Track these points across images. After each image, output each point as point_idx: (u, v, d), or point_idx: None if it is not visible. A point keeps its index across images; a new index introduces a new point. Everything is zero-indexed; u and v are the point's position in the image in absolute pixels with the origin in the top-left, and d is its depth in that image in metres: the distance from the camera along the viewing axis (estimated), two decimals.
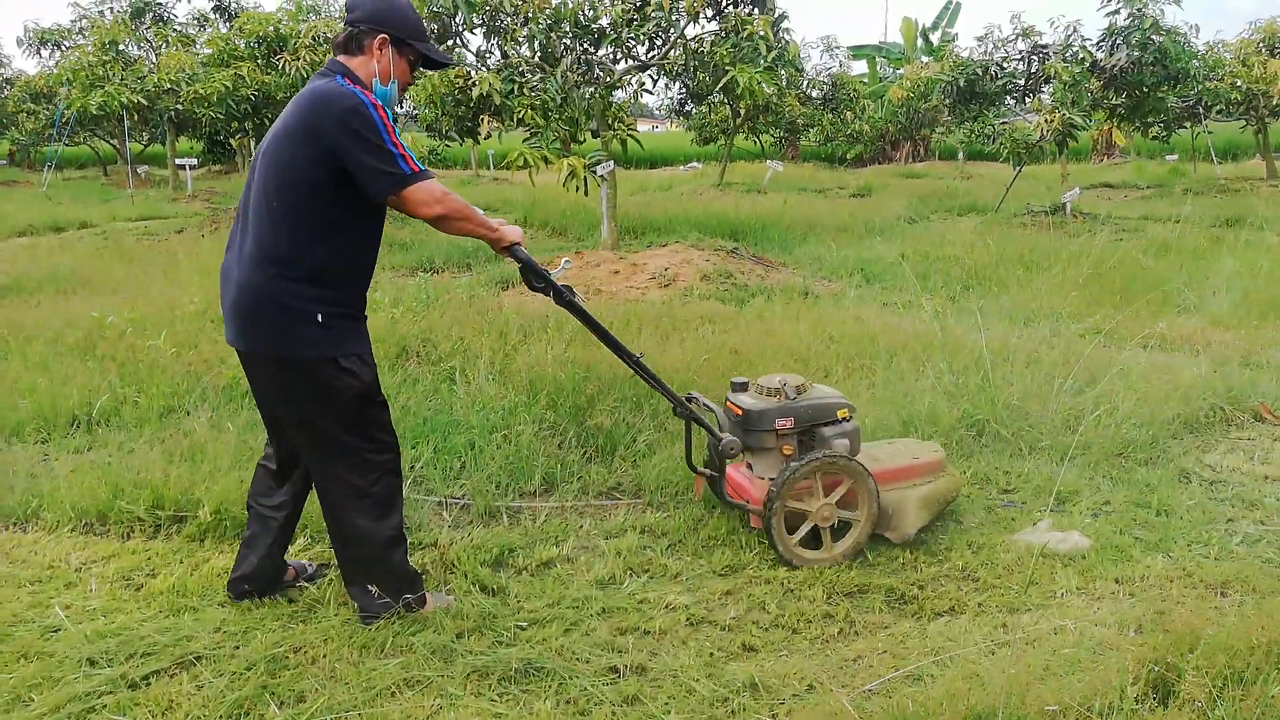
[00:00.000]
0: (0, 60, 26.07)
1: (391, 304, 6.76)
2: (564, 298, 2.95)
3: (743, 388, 3.42)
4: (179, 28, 18.83)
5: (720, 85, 8.77)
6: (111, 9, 18.06)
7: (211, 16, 19.91)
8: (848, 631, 2.86)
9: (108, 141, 27.63)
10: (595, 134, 9.60)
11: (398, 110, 2.85)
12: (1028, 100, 15.39)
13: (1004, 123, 16.01)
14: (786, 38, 9.21)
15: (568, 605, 2.98)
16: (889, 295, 7.84)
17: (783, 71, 10.66)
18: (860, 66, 30.82)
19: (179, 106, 13.81)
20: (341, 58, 2.76)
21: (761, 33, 8.40)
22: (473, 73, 9.07)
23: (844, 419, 3.34)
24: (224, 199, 18.86)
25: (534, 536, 3.53)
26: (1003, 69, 14.87)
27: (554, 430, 4.34)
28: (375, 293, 7.27)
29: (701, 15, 8.84)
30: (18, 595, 3.02)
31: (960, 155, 27.42)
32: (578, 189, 8.44)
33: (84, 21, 20.23)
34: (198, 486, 3.61)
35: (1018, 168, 14.08)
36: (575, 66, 9.16)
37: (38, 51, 22.06)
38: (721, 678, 2.56)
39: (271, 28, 13.05)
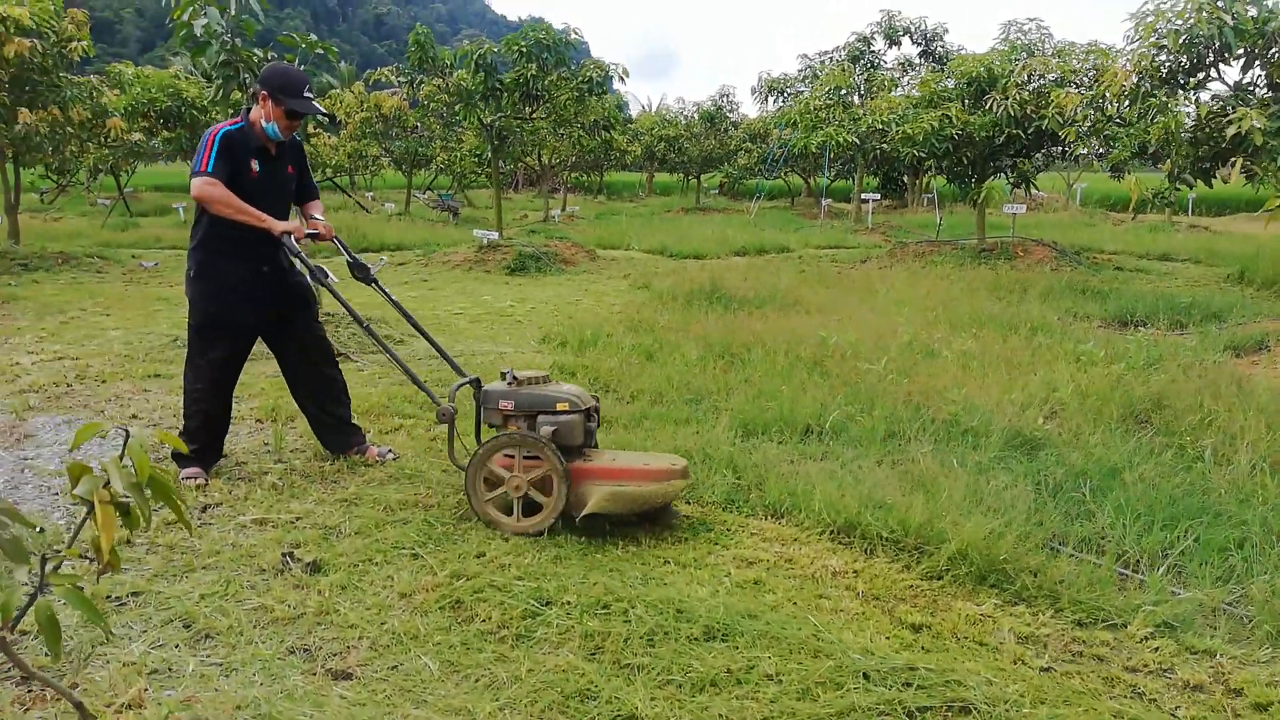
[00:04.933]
0: (732, 105, 30.94)
1: (1109, 359, 6.18)
2: (316, 278, 4.08)
3: (504, 375, 3.84)
4: (886, 71, 20.27)
5: None
6: (833, 58, 20.21)
7: (917, 61, 21.05)
8: None
9: (801, 176, 31.23)
10: None
11: (279, 139, 4.19)
12: None
13: None
14: None
15: None
16: None
17: None
18: None
19: (883, 146, 14.74)
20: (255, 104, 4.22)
21: None
22: (1229, 109, 7.87)
23: (561, 411, 3.63)
24: (899, 232, 19.82)
25: None
26: None
27: None
28: (1087, 344, 6.74)
29: None
30: (788, 584, 3.30)
31: None
32: None
33: (808, 70, 23.06)
34: (939, 520, 3.60)
35: None
36: None
37: (764, 99, 25.78)
38: None
39: (984, 68, 13.13)
